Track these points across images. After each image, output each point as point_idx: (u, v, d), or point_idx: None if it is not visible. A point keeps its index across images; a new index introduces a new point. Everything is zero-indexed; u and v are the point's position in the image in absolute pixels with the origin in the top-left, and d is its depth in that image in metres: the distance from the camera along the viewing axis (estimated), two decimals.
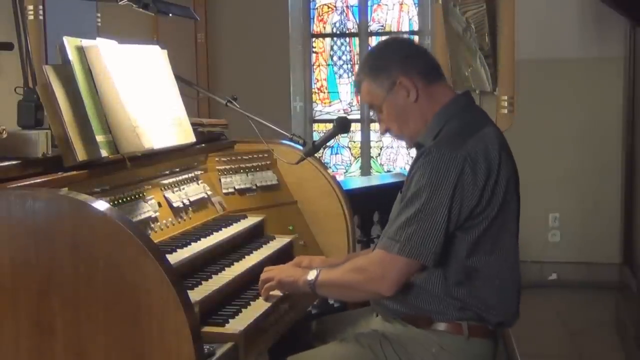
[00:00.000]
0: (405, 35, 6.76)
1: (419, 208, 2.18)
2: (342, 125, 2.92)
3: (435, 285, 2.25)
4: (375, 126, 6.93)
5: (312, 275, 2.33)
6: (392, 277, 2.19)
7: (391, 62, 2.35)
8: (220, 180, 3.02)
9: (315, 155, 2.99)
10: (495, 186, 2.22)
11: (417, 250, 2.17)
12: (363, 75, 2.41)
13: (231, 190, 3.03)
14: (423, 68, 2.37)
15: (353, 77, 6.93)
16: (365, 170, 6.94)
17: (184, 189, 2.75)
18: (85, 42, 2.42)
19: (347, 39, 6.99)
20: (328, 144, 6.31)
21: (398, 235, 2.20)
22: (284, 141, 3.11)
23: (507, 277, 2.32)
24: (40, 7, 3.69)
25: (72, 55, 2.34)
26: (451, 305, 2.26)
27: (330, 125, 5.72)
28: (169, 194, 2.66)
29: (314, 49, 7.01)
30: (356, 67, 6.92)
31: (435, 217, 2.17)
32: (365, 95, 2.41)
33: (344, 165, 7.07)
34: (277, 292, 2.40)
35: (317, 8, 6.98)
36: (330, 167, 6.76)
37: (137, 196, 2.48)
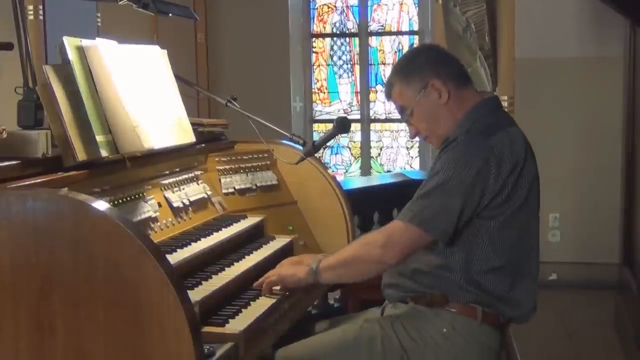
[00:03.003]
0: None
1: (438, 183, 2.24)
2: (342, 125, 2.91)
3: (456, 272, 2.28)
4: (374, 126, 6.93)
5: (314, 262, 2.39)
6: (396, 244, 2.25)
7: (423, 65, 2.41)
8: (220, 180, 3.01)
9: (315, 155, 2.99)
10: (518, 179, 2.27)
11: (426, 223, 2.23)
12: (395, 79, 2.45)
13: (231, 190, 3.03)
14: (453, 72, 2.43)
15: (350, 76, 6.95)
16: (365, 170, 6.93)
17: (184, 189, 2.75)
18: (85, 42, 2.42)
19: (347, 39, 6.99)
20: (328, 144, 6.31)
21: (414, 205, 2.27)
22: (284, 141, 3.10)
23: (527, 271, 2.35)
24: (40, 7, 3.69)
25: (72, 55, 2.34)
26: (469, 292, 2.28)
27: (330, 125, 5.73)
28: (169, 194, 2.66)
29: (314, 49, 7.01)
30: (356, 67, 6.93)
31: (453, 195, 2.22)
32: (397, 98, 2.46)
33: (344, 165, 7.07)
34: (277, 288, 2.43)
35: (317, 8, 6.98)
36: (330, 167, 6.76)
37: (137, 196, 2.48)
